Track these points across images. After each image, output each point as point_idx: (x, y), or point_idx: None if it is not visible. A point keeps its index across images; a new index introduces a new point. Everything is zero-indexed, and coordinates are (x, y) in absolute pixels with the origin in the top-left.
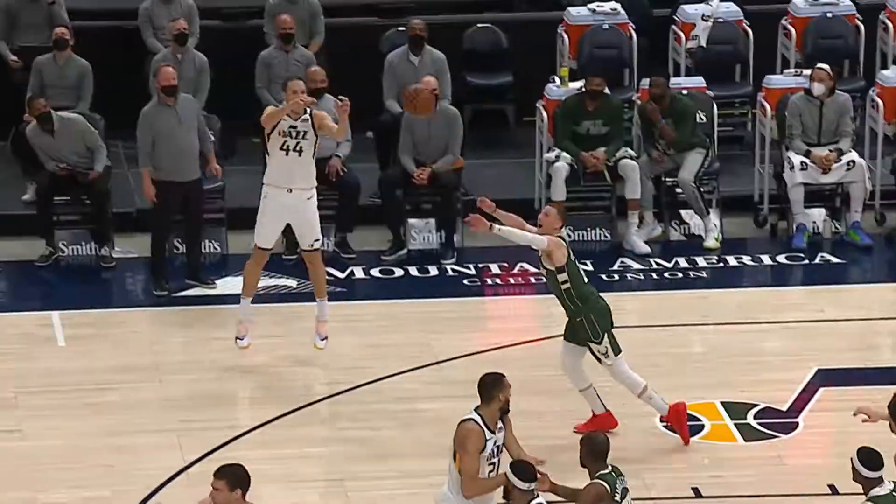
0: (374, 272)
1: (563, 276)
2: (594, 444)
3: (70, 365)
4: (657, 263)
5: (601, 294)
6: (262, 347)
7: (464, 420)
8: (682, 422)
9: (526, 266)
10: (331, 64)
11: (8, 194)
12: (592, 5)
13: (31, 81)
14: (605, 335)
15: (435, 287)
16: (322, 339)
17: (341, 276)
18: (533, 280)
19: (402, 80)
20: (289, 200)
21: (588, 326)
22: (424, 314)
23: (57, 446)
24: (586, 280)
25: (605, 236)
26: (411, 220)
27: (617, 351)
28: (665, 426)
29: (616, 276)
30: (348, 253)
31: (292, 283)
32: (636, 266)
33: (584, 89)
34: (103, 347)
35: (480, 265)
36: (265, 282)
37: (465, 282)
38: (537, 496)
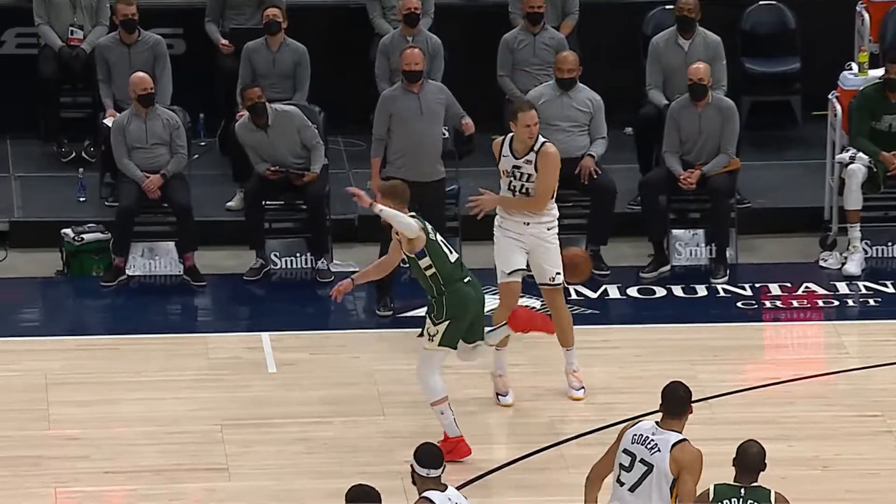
0: (632, 291)
1: (425, 262)
2: (743, 453)
3: (282, 394)
4: None
5: (473, 282)
6: None
7: (685, 441)
8: (531, 320)
9: (812, 287)
10: (585, 48)
11: (214, 198)
12: None
13: (240, 71)
14: (447, 323)
15: (703, 310)
16: (578, 389)
17: (593, 295)
18: (821, 303)
19: (669, 67)
20: (527, 231)
21: (438, 307)
22: (690, 342)
23: (266, 488)
24: (453, 260)
25: None
26: (676, 231)
27: (443, 343)
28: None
29: None
30: (602, 269)
31: (536, 304)
32: None
33: (885, 78)
34: (319, 375)
35: (757, 284)
36: None
37: (739, 304)
38: (446, 488)
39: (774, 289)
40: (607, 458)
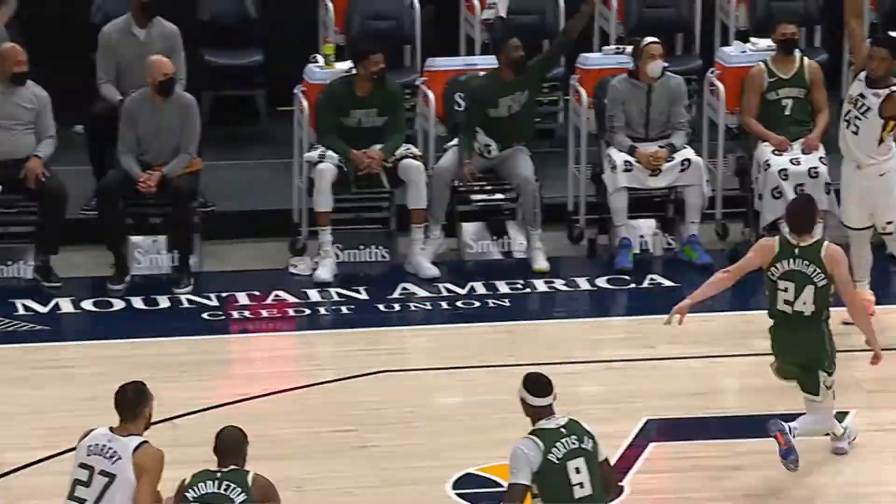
0: (87, 304)
1: None
2: (218, 438)
3: None
4: (448, 290)
5: None
6: None
7: (145, 443)
8: None
9: (283, 295)
10: (27, 36)
11: None
12: None
13: None
14: None
15: (165, 322)
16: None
17: (44, 310)
18: (292, 312)
19: (124, 58)
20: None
21: None
22: (152, 357)
23: None
24: None
25: (383, 256)
26: (135, 238)
27: None
28: None
29: (397, 307)
30: (52, 281)
31: None
32: (422, 293)
33: (355, 70)
34: None
35: (224, 294)
36: None
37: (205, 315)
38: None
39: (242, 298)
40: None
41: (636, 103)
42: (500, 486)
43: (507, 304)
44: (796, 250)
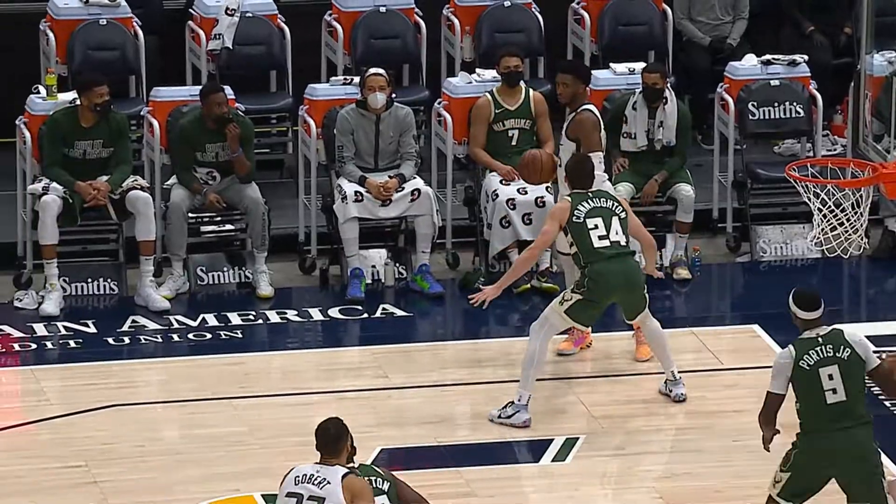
0: None
1: None
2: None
3: None
4: (179, 322)
5: None
6: None
7: (352, 472)
8: None
9: (8, 329)
10: None
11: None
12: None
13: None
14: None
15: None
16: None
17: None
18: (17, 347)
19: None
20: None
21: None
22: None
23: None
24: None
25: (112, 288)
26: None
27: None
28: None
29: (127, 339)
30: None
31: None
32: (152, 326)
33: (79, 101)
34: None
35: None
36: None
37: None
38: None
39: None
40: None
41: (365, 133)
42: None
43: (240, 335)
44: (589, 193)
